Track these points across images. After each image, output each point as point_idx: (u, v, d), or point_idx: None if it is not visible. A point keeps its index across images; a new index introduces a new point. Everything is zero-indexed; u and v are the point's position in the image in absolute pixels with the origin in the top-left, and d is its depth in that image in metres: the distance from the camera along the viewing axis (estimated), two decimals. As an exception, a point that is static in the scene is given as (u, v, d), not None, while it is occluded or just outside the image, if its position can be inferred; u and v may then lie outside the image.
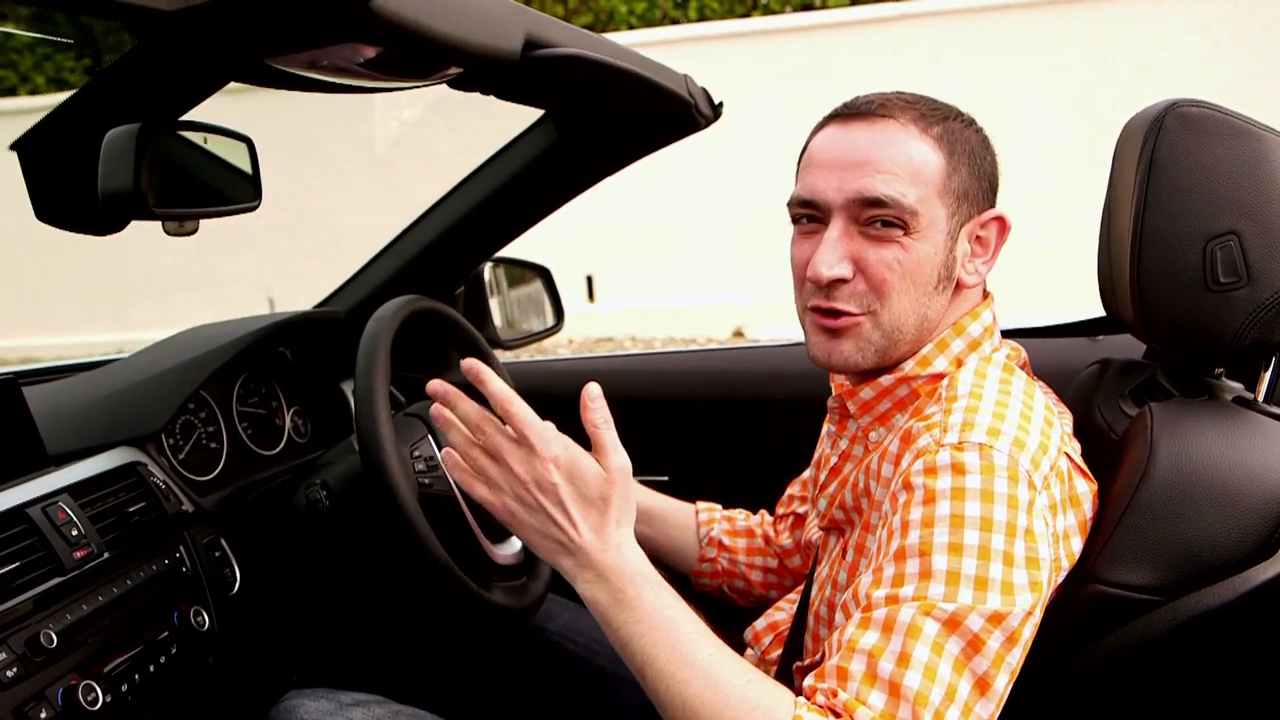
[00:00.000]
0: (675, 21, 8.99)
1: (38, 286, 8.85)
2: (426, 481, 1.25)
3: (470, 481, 0.96)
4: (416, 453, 1.28)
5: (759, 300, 7.50)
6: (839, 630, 0.90)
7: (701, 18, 8.95)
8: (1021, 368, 1.09)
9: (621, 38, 7.98)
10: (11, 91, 9.65)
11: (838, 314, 1.03)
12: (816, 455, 1.28)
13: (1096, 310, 1.28)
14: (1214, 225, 1.02)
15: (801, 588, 1.25)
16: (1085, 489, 1.00)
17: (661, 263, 8.00)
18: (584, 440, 0.95)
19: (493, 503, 0.95)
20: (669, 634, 0.88)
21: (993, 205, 1.08)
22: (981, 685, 0.84)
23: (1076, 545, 0.98)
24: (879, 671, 0.83)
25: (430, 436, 1.30)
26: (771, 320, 7.21)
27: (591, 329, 7.80)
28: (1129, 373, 1.19)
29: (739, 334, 7.69)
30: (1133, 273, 1.06)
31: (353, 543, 1.35)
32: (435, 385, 0.98)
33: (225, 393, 1.49)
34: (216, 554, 1.29)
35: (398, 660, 1.56)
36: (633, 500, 0.94)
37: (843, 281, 1.02)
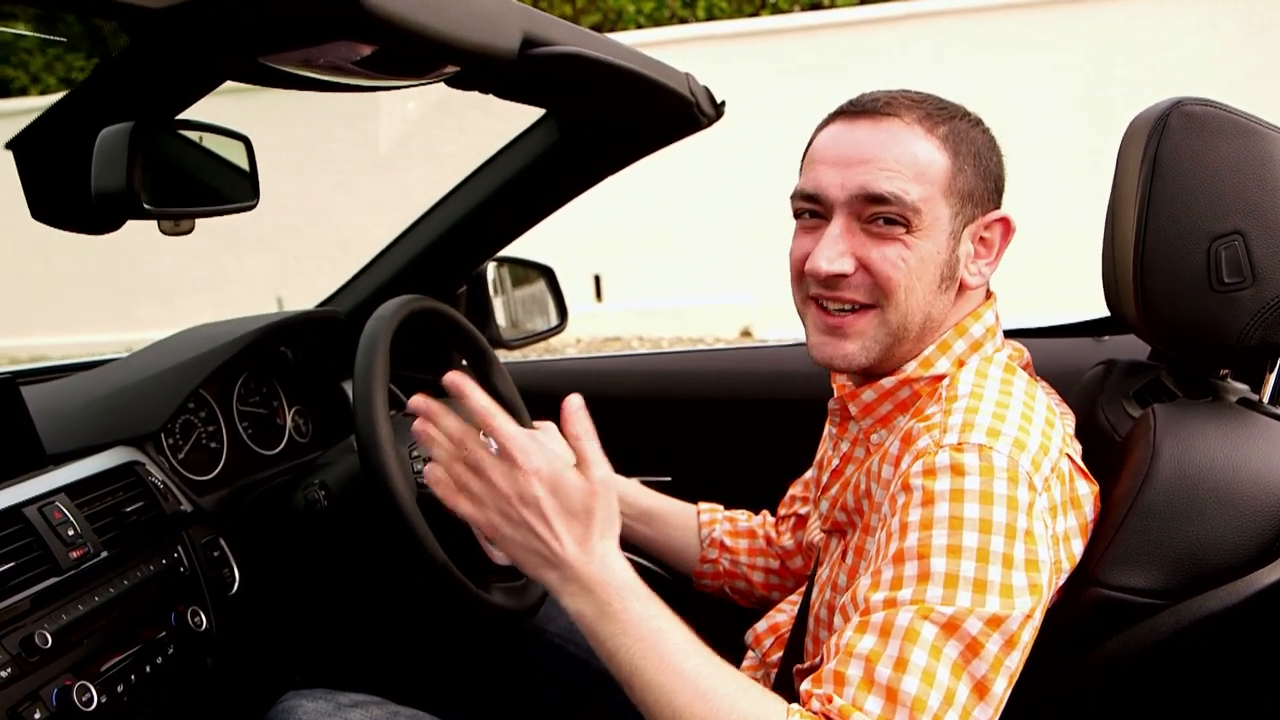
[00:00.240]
0: (683, 20, 8.98)
1: (47, 286, 8.89)
2: (425, 482, 1.24)
3: (454, 497, 0.95)
4: (415, 453, 1.27)
5: (766, 300, 7.49)
6: (837, 634, 0.89)
7: (710, 17, 8.93)
8: (1024, 368, 1.08)
9: (629, 37, 7.99)
10: (23, 92, 9.69)
11: (844, 310, 1.03)
12: (818, 456, 1.28)
13: (1102, 310, 1.27)
14: (1219, 225, 1.01)
15: (803, 589, 1.24)
16: (1086, 491, 0.99)
17: (668, 262, 8.00)
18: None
19: (476, 518, 0.94)
20: (656, 645, 0.87)
21: (998, 206, 1.07)
22: (980, 689, 0.84)
23: (1077, 547, 0.97)
24: (876, 676, 0.83)
25: None
26: (778, 320, 7.19)
27: (599, 329, 7.80)
28: (1133, 374, 1.18)
29: (747, 334, 7.68)
30: (1136, 273, 1.05)
31: (351, 543, 1.35)
32: (417, 401, 0.97)
33: (225, 392, 1.49)
34: (215, 554, 1.29)
35: (396, 661, 1.56)
36: (616, 512, 0.94)
37: (843, 277, 1.01)
